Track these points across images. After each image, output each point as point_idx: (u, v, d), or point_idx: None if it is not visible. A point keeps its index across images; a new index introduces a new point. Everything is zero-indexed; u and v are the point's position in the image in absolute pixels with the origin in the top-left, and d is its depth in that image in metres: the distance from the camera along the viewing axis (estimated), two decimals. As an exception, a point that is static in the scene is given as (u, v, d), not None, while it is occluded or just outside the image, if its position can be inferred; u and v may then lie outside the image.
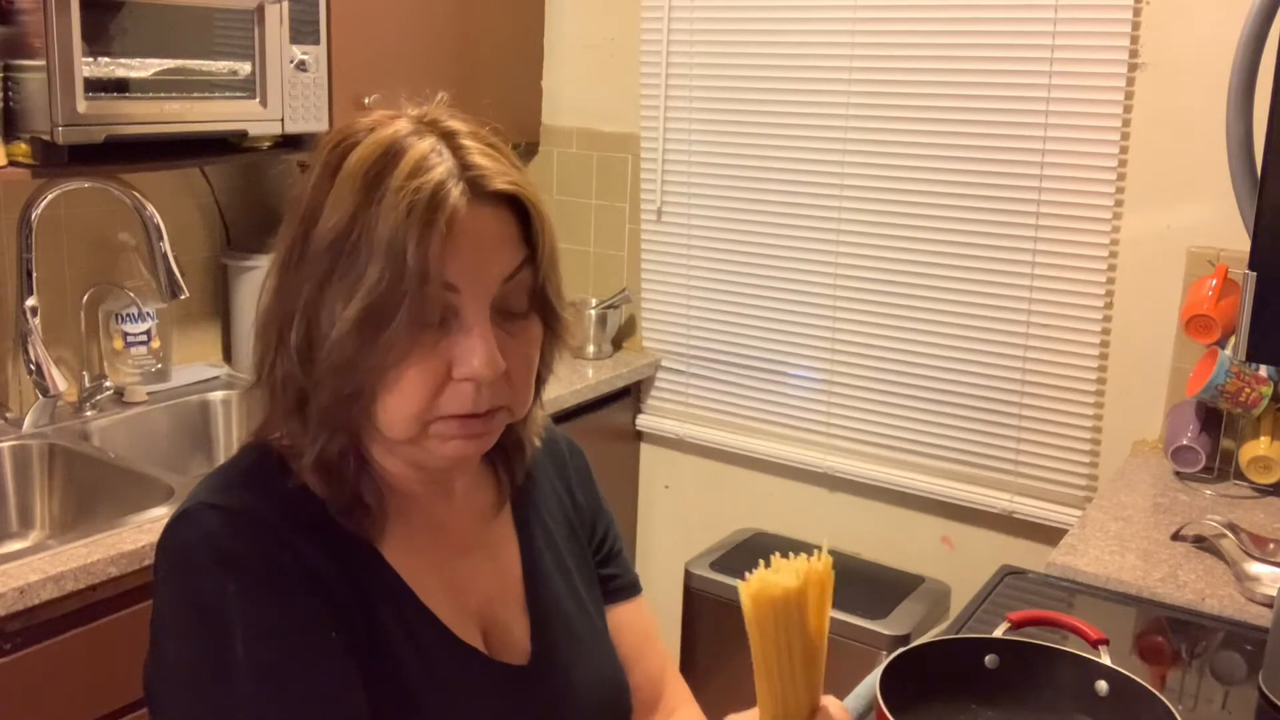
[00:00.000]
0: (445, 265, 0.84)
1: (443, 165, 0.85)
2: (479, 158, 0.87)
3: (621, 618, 1.11)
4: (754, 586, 0.84)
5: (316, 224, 0.86)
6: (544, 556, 1.04)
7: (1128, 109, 2.14)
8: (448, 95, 0.96)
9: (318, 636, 0.85)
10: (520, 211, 0.89)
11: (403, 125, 0.89)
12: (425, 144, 0.86)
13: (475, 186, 0.86)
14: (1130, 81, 2.13)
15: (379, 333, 0.84)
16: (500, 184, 0.87)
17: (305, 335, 0.86)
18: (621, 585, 1.13)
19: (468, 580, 0.98)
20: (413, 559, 0.94)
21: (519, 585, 1.01)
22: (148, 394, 2.20)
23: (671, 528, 2.84)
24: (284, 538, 0.87)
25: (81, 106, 1.76)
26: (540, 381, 1.00)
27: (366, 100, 2.23)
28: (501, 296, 0.89)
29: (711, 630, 2.49)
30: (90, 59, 1.77)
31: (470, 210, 0.85)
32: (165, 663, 0.87)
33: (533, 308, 0.92)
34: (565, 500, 1.11)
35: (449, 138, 0.88)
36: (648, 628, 1.14)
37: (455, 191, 0.85)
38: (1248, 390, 1.95)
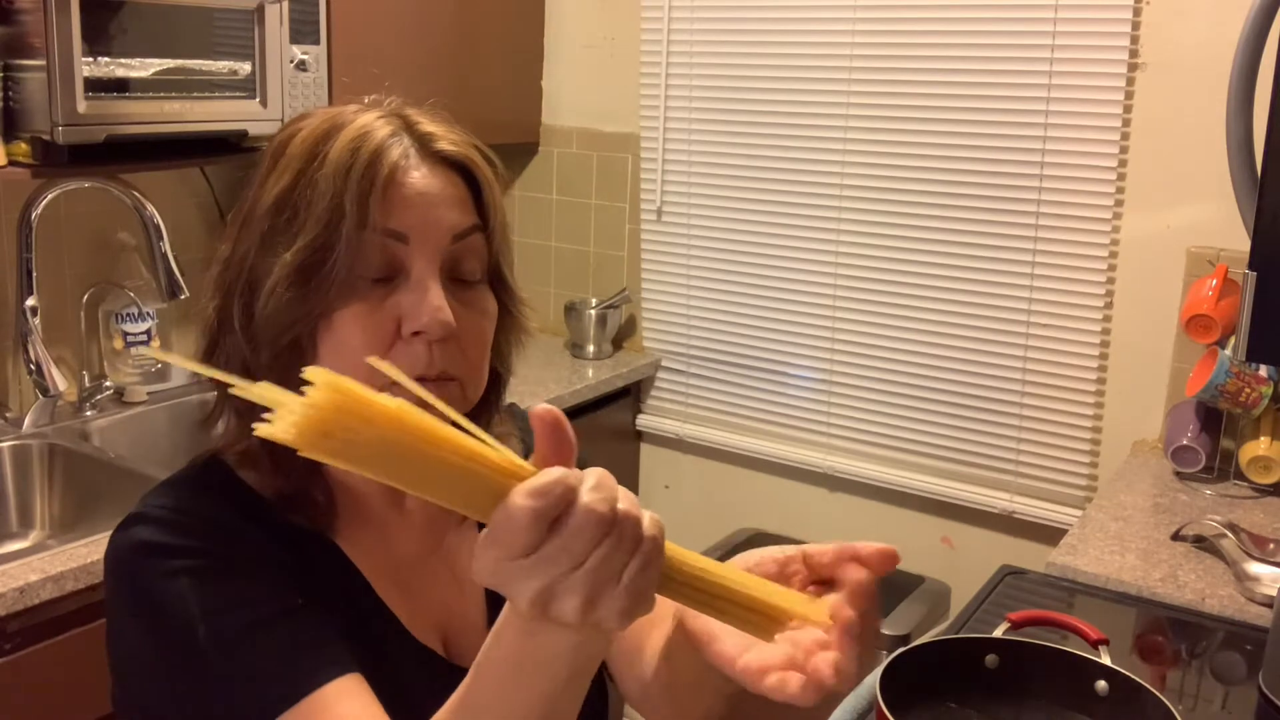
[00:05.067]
0: (389, 214, 0.83)
1: (388, 128, 0.86)
2: (428, 125, 0.88)
3: None
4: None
5: (260, 199, 0.86)
6: None
7: (1128, 109, 2.14)
8: (435, 100, 0.95)
9: (285, 600, 0.83)
10: (471, 182, 0.89)
11: (351, 106, 0.90)
12: (371, 114, 0.87)
13: (423, 148, 0.87)
14: (1130, 81, 2.13)
15: (317, 279, 0.82)
16: (446, 146, 0.87)
17: (246, 305, 0.85)
18: None
19: (426, 587, 0.94)
20: (368, 558, 0.91)
21: (480, 592, 0.96)
22: (148, 394, 2.20)
23: (671, 528, 2.79)
24: (234, 530, 0.85)
25: (81, 106, 1.76)
26: (500, 381, 0.96)
27: (366, 100, 2.22)
28: (453, 258, 0.86)
29: (711, 630, 2.48)
30: (90, 59, 1.77)
31: (417, 168, 0.86)
32: (133, 676, 0.85)
33: (485, 278, 0.90)
34: None
35: (398, 111, 0.89)
36: None
37: (398, 149, 0.85)
38: (1248, 390, 1.95)
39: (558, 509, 0.61)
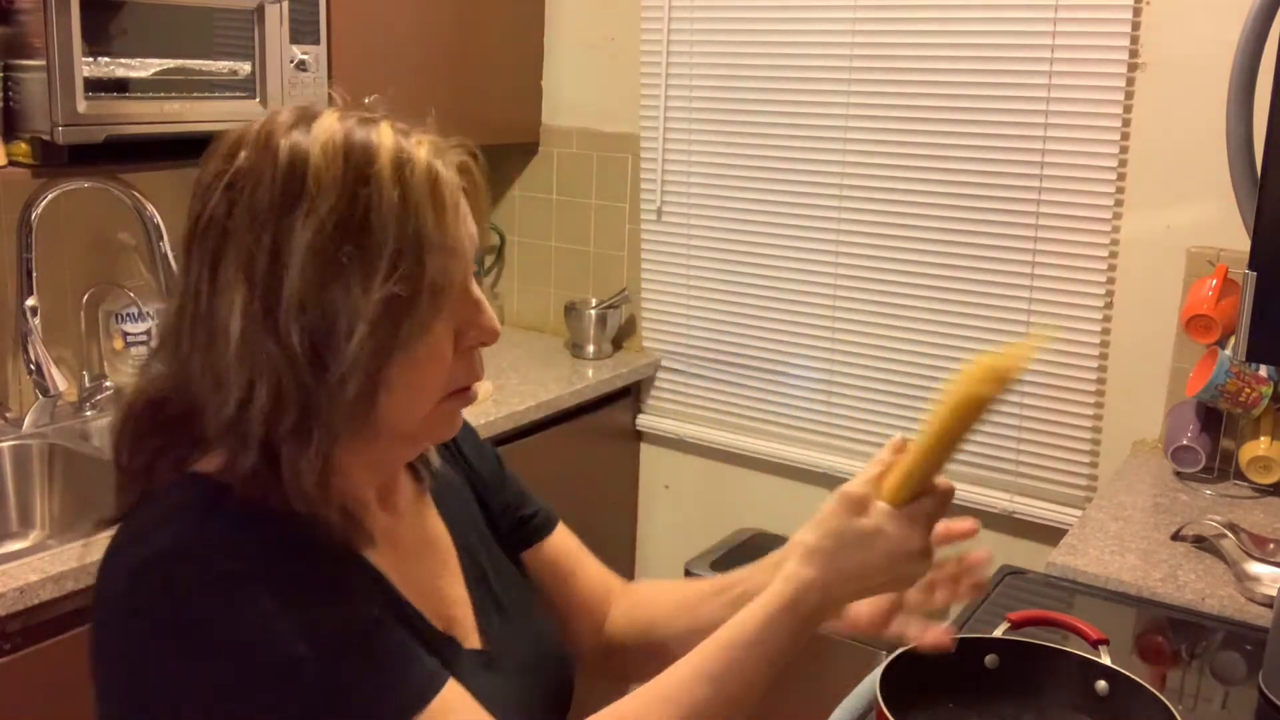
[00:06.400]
0: (454, 236, 0.85)
1: (423, 146, 0.86)
2: (429, 135, 0.88)
3: (553, 546, 1.15)
4: (999, 362, 0.86)
5: (290, 231, 0.81)
6: (472, 542, 1.05)
7: (1128, 109, 2.14)
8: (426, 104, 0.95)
9: (366, 612, 0.83)
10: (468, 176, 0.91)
11: (332, 119, 0.86)
12: (384, 132, 0.86)
13: (445, 155, 0.87)
14: (1130, 81, 2.13)
15: (408, 316, 0.82)
16: (463, 155, 0.89)
17: (307, 341, 0.81)
18: (542, 520, 1.15)
19: (426, 578, 0.97)
20: (384, 562, 0.92)
21: (458, 574, 1.01)
22: (148, 394, 2.20)
23: (671, 528, 2.84)
24: (285, 549, 0.82)
25: (81, 106, 1.76)
26: None
27: (366, 100, 2.22)
28: None
29: (711, 630, 2.48)
30: (90, 59, 1.77)
31: (453, 182, 0.87)
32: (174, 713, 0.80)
33: None
34: (466, 475, 1.10)
35: (388, 117, 0.89)
36: (574, 546, 1.17)
37: (437, 166, 0.85)
38: (1248, 390, 1.95)
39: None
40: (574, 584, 1.15)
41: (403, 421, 0.87)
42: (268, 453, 0.82)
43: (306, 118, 0.86)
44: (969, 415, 0.87)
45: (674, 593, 1.16)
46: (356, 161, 0.82)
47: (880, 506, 0.87)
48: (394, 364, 0.83)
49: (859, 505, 0.87)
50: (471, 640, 0.98)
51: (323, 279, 0.81)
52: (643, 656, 1.11)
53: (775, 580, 0.88)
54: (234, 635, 0.77)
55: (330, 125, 0.85)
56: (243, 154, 0.83)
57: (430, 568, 0.98)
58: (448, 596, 0.98)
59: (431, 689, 0.81)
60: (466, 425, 1.06)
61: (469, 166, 0.89)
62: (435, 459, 1.03)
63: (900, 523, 0.87)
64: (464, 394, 0.90)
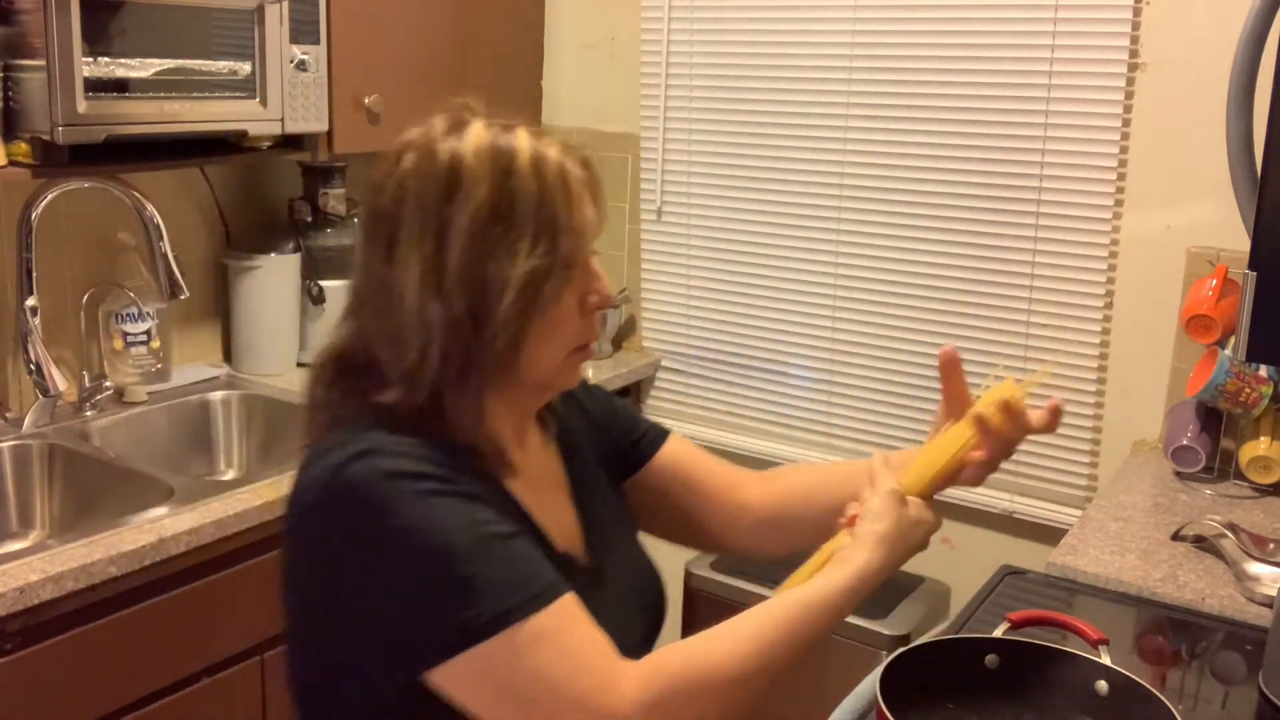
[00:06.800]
0: (580, 220, 1.06)
1: (553, 147, 1.06)
2: (554, 136, 1.09)
3: (669, 454, 1.31)
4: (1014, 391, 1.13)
5: (453, 216, 1.01)
6: (585, 478, 1.22)
7: (1128, 109, 2.14)
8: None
9: (508, 523, 0.99)
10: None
11: (479, 127, 1.05)
12: (521, 136, 1.05)
13: (572, 154, 1.07)
14: (1130, 81, 2.13)
15: (546, 282, 1.02)
16: (584, 153, 1.10)
17: (467, 304, 1.00)
18: (652, 437, 1.32)
19: (549, 506, 1.13)
20: (518, 489, 1.08)
21: (572, 504, 1.19)
22: (148, 394, 2.20)
23: (671, 528, 2.83)
24: (450, 464, 1.00)
25: (81, 106, 1.76)
26: None
27: (366, 100, 2.23)
28: None
29: (711, 630, 2.48)
30: (90, 59, 1.77)
31: (581, 174, 1.07)
32: (354, 597, 0.96)
33: None
34: (584, 421, 1.27)
35: (524, 125, 1.08)
36: (692, 449, 1.35)
37: (568, 162, 1.05)
38: (1248, 390, 1.95)
39: None
40: (700, 479, 1.31)
41: (538, 371, 1.06)
42: (434, 394, 1.02)
43: (458, 126, 1.06)
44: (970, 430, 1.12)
45: (819, 472, 1.35)
46: (501, 161, 1.02)
47: (915, 501, 1.11)
48: (533, 323, 1.02)
49: (902, 499, 1.10)
50: (584, 559, 1.15)
51: (478, 256, 1.01)
52: (796, 530, 1.28)
53: (855, 558, 1.06)
54: (402, 522, 0.94)
55: (479, 132, 1.05)
56: (408, 156, 1.04)
57: (552, 498, 1.16)
58: (564, 523, 1.15)
59: (554, 593, 0.96)
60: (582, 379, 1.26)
61: (590, 163, 1.10)
62: (559, 408, 1.22)
63: (930, 510, 1.12)
64: (585, 350, 1.10)
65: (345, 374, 1.07)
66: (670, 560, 2.71)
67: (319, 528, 0.99)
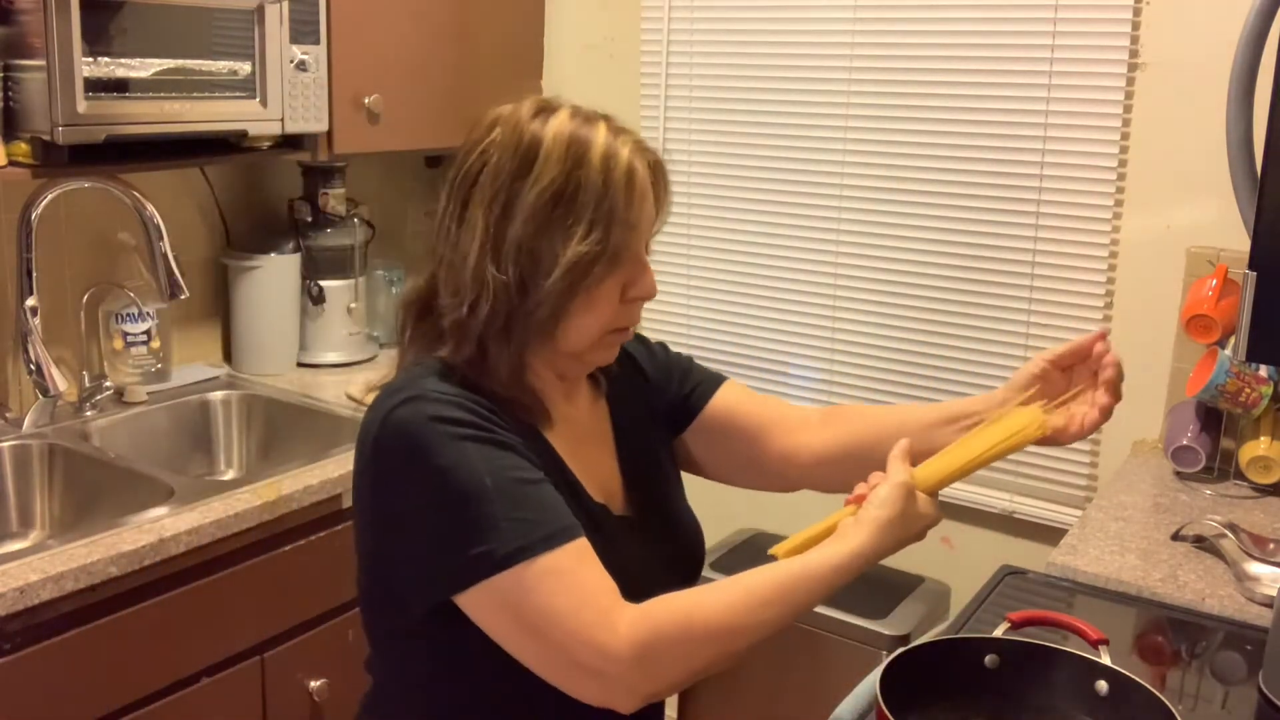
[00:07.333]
0: (637, 216, 1.13)
1: (627, 145, 1.13)
2: (631, 134, 1.15)
3: (725, 397, 1.37)
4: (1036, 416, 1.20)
5: (521, 192, 1.10)
6: (634, 434, 1.30)
7: (1128, 109, 2.14)
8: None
9: (536, 470, 1.09)
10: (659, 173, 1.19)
11: (564, 115, 1.13)
12: (600, 130, 1.13)
13: (643, 155, 1.15)
14: (1130, 81, 2.13)
15: (591, 269, 1.10)
16: (656, 155, 1.17)
17: (519, 273, 1.10)
18: (706, 385, 1.38)
19: (593, 457, 1.23)
20: (559, 441, 1.17)
21: (616, 457, 1.27)
22: (148, 394, 2.20)
23: (671, 528, 2.83)
24: (490, 413, 1.09)
25: (81, 106, 1.76)
26: None
27: (366, 100, 2.23)
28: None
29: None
30: (90, 59, 1.77)
31: (644, 170, 1.14)
32: (403, 530, 1.08)
33: None
34: (638, 379, 1.35)
35: (607, 119, 1.15)
36: (747, 392, 1.40)
37: (637, 161, 1.13)
38: (1248, 390, 1.95)
39: None
40: (756, 422, 1.37)
41: (574, 344, 1.15)
42: (481, 347, 1.12)
43: (545, 110, 1.13)
44: (1003, 452, 1.19)
45: (890, 416, 1.39)
46: (576, 150, 1.10)
47: (922, 496, 1.15)
48: (574, 301, 1.11)
49: (911, 493, 1.13)
50: (621, 509, 1.23)
51: (537, 232, 1.10)
52: (856, 470, 1.27)
53: (854, 538, 1.10)
54: (440, 462, 1.05)
55: (563, 119, 1.12)
56: (497, 130, 1.13)
57: (596, 450, 1.25)
58: (603, 475, 1.24)
59: (567, 535, 1.05)
60: (639, 336, 1.34)
61: (660, 166, 1.17)
62: (614, 368, 1.28)
63: (933, 507, 1.16)
64: (623, 333, 1.19)
65: (420, 318, 1.19)
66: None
67: (371, 459, 1.10)
